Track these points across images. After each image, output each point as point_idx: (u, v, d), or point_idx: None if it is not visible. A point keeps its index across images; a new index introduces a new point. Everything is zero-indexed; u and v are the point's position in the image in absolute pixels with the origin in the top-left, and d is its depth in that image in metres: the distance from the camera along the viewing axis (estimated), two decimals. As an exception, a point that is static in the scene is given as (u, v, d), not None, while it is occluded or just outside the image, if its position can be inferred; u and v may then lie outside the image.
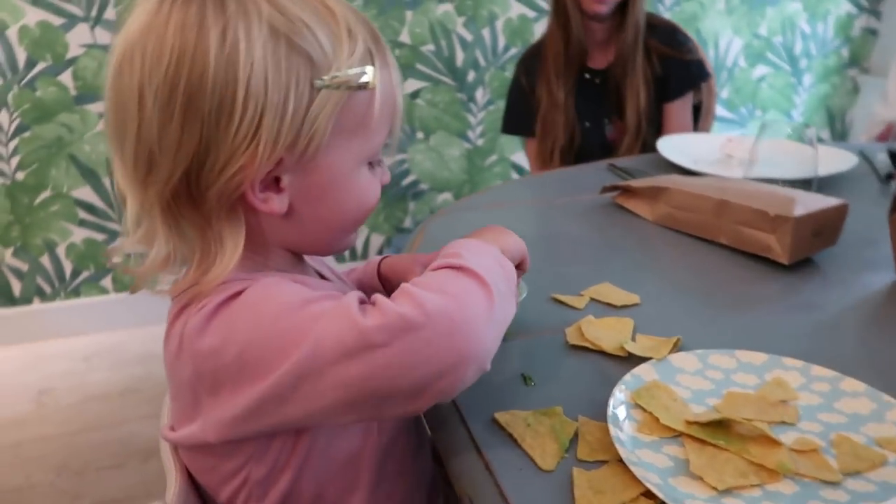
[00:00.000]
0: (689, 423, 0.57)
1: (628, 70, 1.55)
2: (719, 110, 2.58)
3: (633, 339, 0.71)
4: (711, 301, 0.81)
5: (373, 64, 0.55)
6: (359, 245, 2.43)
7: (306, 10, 0.53)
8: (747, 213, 0.89)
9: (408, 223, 2.45)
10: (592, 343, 0.70)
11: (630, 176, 1.20)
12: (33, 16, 1.88)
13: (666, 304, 0.79)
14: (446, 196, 2.45)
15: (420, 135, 2.33)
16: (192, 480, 0.63)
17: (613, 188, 1.08)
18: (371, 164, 0.60)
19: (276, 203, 0.56)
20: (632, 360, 0.67)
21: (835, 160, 1.17)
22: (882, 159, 1.22)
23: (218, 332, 0.52)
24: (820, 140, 1.12)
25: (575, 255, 0.93)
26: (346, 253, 2.41)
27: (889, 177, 1.17)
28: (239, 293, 0.53)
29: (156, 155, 0.52)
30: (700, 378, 0.64)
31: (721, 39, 2.56)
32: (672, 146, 1.30)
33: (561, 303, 0.80)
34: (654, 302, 0.79)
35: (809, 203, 0.87)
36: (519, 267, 0.65)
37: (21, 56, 1.90)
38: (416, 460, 0.68)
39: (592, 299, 0.80)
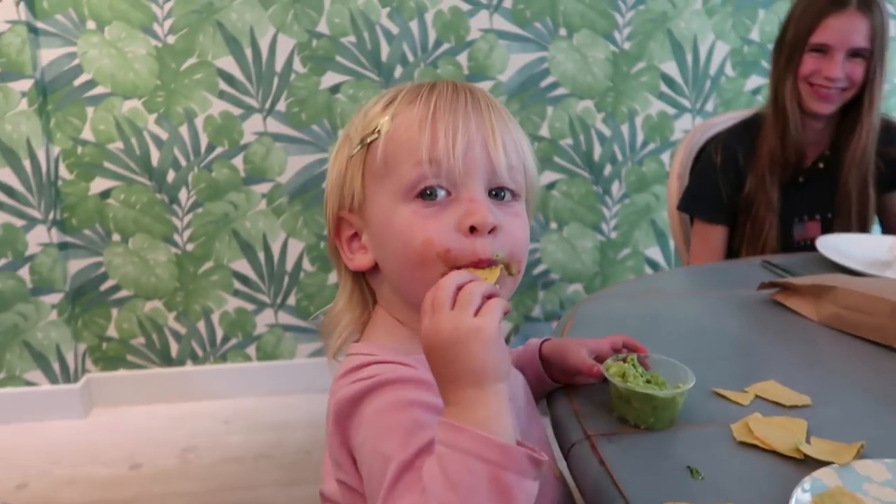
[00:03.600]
0: (883, 534, 0.53)
1: (851, 173, 1.44)
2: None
3: (808, 441, 0.68)
4: (893, 408, 0.76)
5: (389, 113, 0.63)
6: (487, 330, 2.44)
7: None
8: (929, 318, 0.84)
9: (537, 312, 2.46)
10: (762, 441, 0.67)
11: (788, 273, 1.16)
12: (218, 106, 2.12)
13: (843, 407, 0.75)
14: (577, 287, 2.44)
15: (553, 225, 2.37)
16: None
17: (772, 285, 1.05)
18: (422, 200, 0.60)
19: (359, 259, 0.66)
20: (807, 462, 0.64)
21: None
22: None
23: (346, 426, 0.58)
24: None
25: (735, 350, 0.91)
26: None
27: None
28: (377, 388, 0.57)
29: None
30: (891, 489, 0.60)
31: None
32: (832, 246, 1.25)
33: (723, 397, 0.77)
34: (828, 404, 0.75)
35: None
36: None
37: (203, 141, 2.14)
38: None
39: (758, 396, 0.77)
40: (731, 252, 1.56)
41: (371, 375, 0.58)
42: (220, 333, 2.29)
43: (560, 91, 2.26)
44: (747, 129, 1.53)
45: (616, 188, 2.37)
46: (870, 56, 1.37)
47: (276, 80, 2.13)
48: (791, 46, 1.43)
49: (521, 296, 2.41)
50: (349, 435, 0.58)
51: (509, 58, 2.21)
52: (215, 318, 2.28)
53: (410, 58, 2.18)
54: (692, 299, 1.11)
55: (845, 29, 1.36)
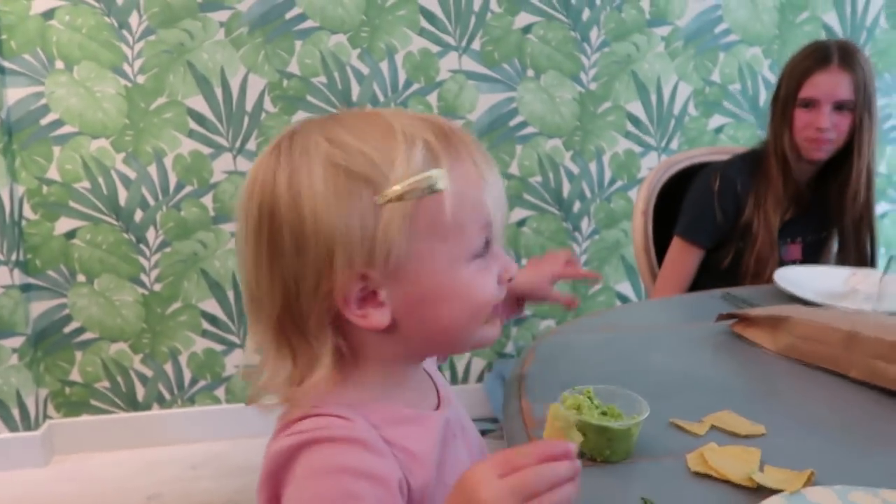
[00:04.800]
0: (831, 562, 0.52)
1: (847, 210, 1.56)
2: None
3: (761, 470, 0.68)
4: (846, 436, 0.76)
5: (438, 165, 0.56)
6: (459, 369, 2.43)
7: (361, 135, 0.57)
8: (882, 347, 0.85)
9: (510, 348, 2.45)
10: (717, 471, 0.67)
11: (747, 305, 1.18)
12: (188, 145, 2.12)
13: (795, 436, 0.75)
14: (549, 323, 2.44)
15: (525, 261, 2.38)
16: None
17: (730, 316, 1.06)
18: (480, 258, 0.59)
19: (377, 317, 0.57)
20: (760, 491, 0.64)
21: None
22: None
23: (279, 480, 0.55)
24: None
25: (692, 382, 0.91)
26: (447, 374, 2.42)
27: None
28: (310, 444, 0.54)
29: (255, 292, 0.59)
30: (840, 516, 0.59)
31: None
32: (790, 278, 1.27)
33: (680, 428, 0.77)
34: (782, 433, 0.76)
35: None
36: None
37: (172, 180, 2.13)
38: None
39: (714, 426, 0.77)
40: (736, 278, 1.59)
41: (305, 430, 0.55)
42: (187, 375, 2.25)
43: (529, 130, 2.30)
44: (745, 163, 1.62)
45: (585, 224, 2.40)
46: (854, 107, 1.49)
47: (246, 120, 2.14)
48: (784, 101, 1.56)
49: (493, 333, 2.40)
50: (280, 489, 0.55)
51: (478, 98, 2.25)
52: (183, 359, 2.23)
53: (381, 98, 2.20)
54: (652, 332, 1.11)
55: (829, 84, 1.49)
